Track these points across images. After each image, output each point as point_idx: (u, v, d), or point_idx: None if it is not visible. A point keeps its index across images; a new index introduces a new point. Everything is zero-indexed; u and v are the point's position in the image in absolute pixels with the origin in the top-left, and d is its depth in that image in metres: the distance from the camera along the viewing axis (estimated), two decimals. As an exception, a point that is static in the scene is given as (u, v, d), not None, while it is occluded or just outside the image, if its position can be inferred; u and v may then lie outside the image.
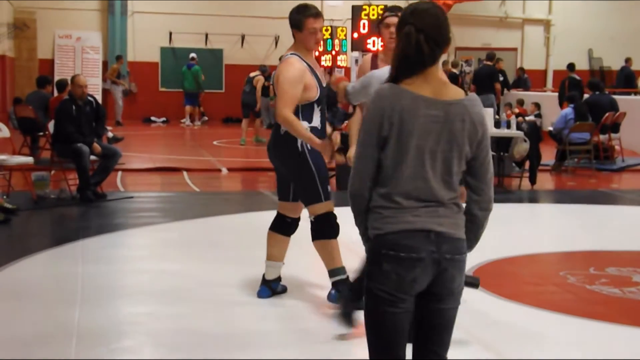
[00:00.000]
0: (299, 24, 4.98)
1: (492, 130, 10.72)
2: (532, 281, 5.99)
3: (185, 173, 11.77)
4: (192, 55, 21.56)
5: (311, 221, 5.04)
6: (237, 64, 22.90)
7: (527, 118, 15.20)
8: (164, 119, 22.40)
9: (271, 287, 5.27)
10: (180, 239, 7.39)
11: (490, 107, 12.14)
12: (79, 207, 8.76)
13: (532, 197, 10.81)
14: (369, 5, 12.30)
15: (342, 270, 5.03)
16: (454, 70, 19.42)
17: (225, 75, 23.23)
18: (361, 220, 2.74)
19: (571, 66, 17.19)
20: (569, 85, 15.88)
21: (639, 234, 8.02)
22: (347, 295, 4.57)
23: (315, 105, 4.99)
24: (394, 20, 5.28)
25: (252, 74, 16.92)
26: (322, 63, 15.94)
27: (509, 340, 4.54)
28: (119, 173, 11.21)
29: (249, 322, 4.79)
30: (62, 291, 5.39)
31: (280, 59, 5.30)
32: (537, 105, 18.28)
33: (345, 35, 15.57)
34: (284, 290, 5.37)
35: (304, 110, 4.97)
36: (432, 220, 2.63)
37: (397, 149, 2.64)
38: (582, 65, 25.54)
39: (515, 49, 24.52)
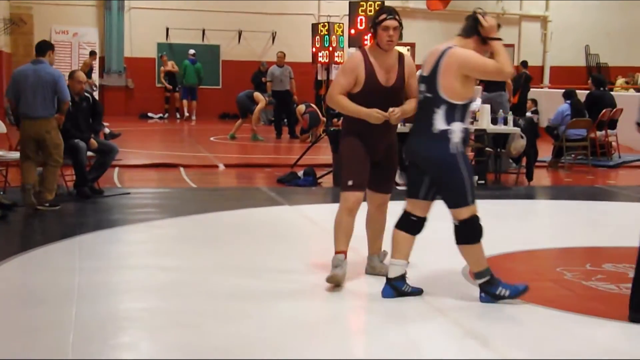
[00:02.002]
0: (485, 36, 4.96)
1: (490, 127, 10.74)
2: (529, 277, 5.98)
3: (182, 169, 11.76)
4: (193, 51, 21.56)
5: (455, 225, 4.98)
6: (234, 59, 22.90)
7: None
8: (160, 114, 22.37)
9: (394, 286, 5.14)
10: (178, 235, 7.39)
11: (503, 105, 12.04)
12: (76, 203, 8.75)
13: (529, 194, 10.82)
14: (366, 2, 12.31)
15: (487, 271, 5.02)
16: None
17: (222, 71, 23.21)
18: None
19: (524, 63, 17.28)
20: (524, 80, 15.88)
21: (636, 230, 8.00)
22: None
23: (469, 105, 4.97)
24: (393, 23, 5.26)
25: (256, 96, 16.67)
26: (319, 59, 15.94)
27: (505, 337, 4.54)
28: (116, 169, 11.20)
29: (248, 319, 4.79)
30: (59, 287, 5.38)
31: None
32: (534, 102, 18.27)
33: (342, 31, 15.57)
34: (416, 291, 5.20)
35: (464, 110, 4.90)
36: None
37: None
38: (579, 61, 25.56)
39: (512, 46, 24.53)
